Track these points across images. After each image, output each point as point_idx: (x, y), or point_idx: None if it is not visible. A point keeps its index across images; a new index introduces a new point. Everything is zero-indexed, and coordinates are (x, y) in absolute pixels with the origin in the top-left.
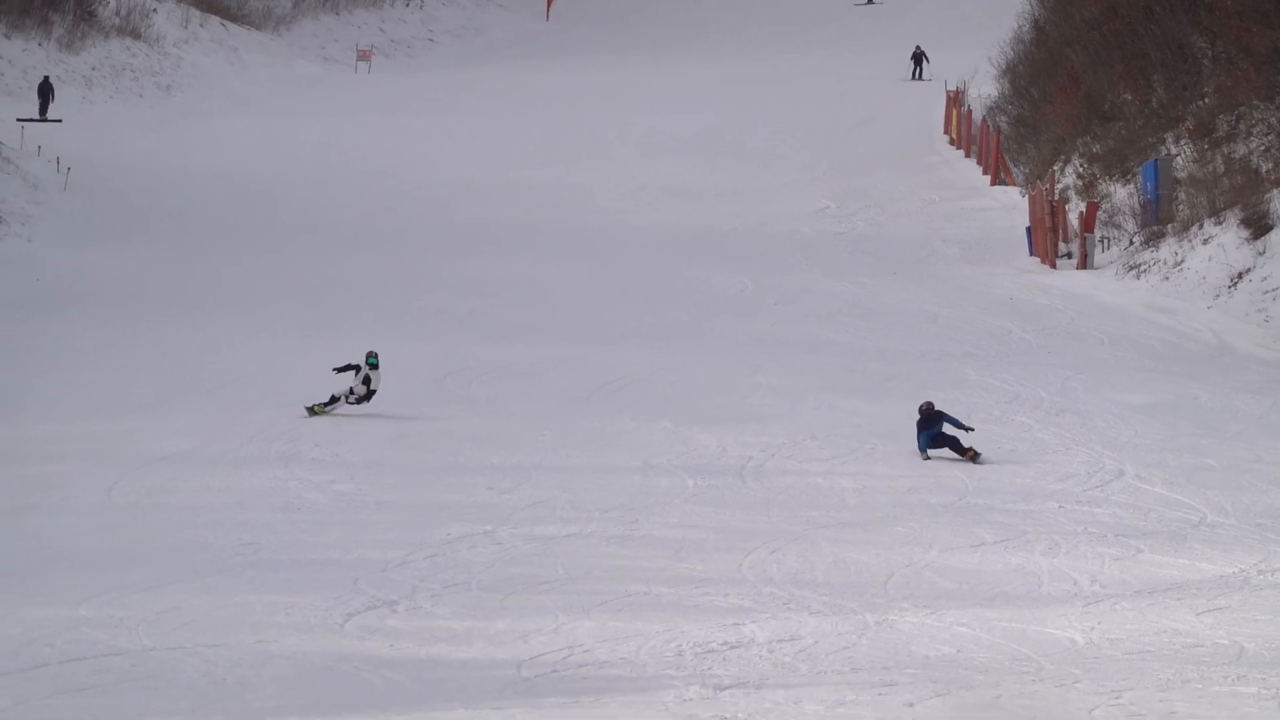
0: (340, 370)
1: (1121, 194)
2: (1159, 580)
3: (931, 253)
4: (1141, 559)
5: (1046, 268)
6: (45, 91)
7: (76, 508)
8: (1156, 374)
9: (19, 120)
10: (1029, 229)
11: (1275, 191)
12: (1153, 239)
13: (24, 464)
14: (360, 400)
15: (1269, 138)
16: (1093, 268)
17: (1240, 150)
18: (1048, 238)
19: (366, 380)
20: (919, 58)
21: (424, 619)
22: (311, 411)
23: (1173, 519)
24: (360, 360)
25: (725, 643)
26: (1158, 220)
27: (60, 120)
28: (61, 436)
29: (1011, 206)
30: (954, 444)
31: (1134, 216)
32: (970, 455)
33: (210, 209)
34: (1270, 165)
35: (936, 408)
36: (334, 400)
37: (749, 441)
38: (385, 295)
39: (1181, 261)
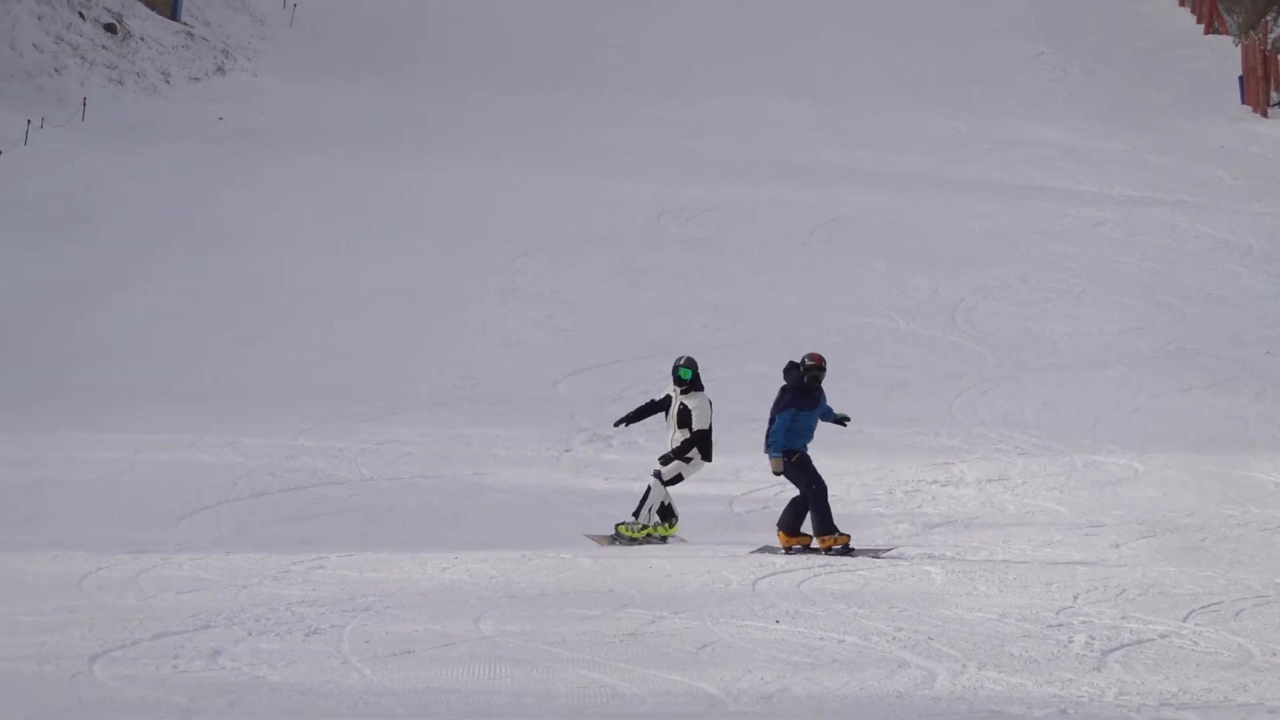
0: (633, 419)
1: None
2: None
3: (1145, 100)
4: None
5: (1258, 116)
6: None
7: (299, 340)
8: None
9: None
10: (1241, 78)
11: None
12: None
13: (249, 296)
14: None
15: None
16: None
17: None
18: (1260, 87)
19: (685, 417)
20: None
21: (639, 454)
22: (619, 537)
23: None
24: (665, 386)
25: (935, 481)
26: None
27: None
28: (284, 269)
29: (1224, 55)
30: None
31: None
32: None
33: (432, 49)
34: None
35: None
36: (655, 514)
37: (961, 283)
38: (600, 134)
39: None
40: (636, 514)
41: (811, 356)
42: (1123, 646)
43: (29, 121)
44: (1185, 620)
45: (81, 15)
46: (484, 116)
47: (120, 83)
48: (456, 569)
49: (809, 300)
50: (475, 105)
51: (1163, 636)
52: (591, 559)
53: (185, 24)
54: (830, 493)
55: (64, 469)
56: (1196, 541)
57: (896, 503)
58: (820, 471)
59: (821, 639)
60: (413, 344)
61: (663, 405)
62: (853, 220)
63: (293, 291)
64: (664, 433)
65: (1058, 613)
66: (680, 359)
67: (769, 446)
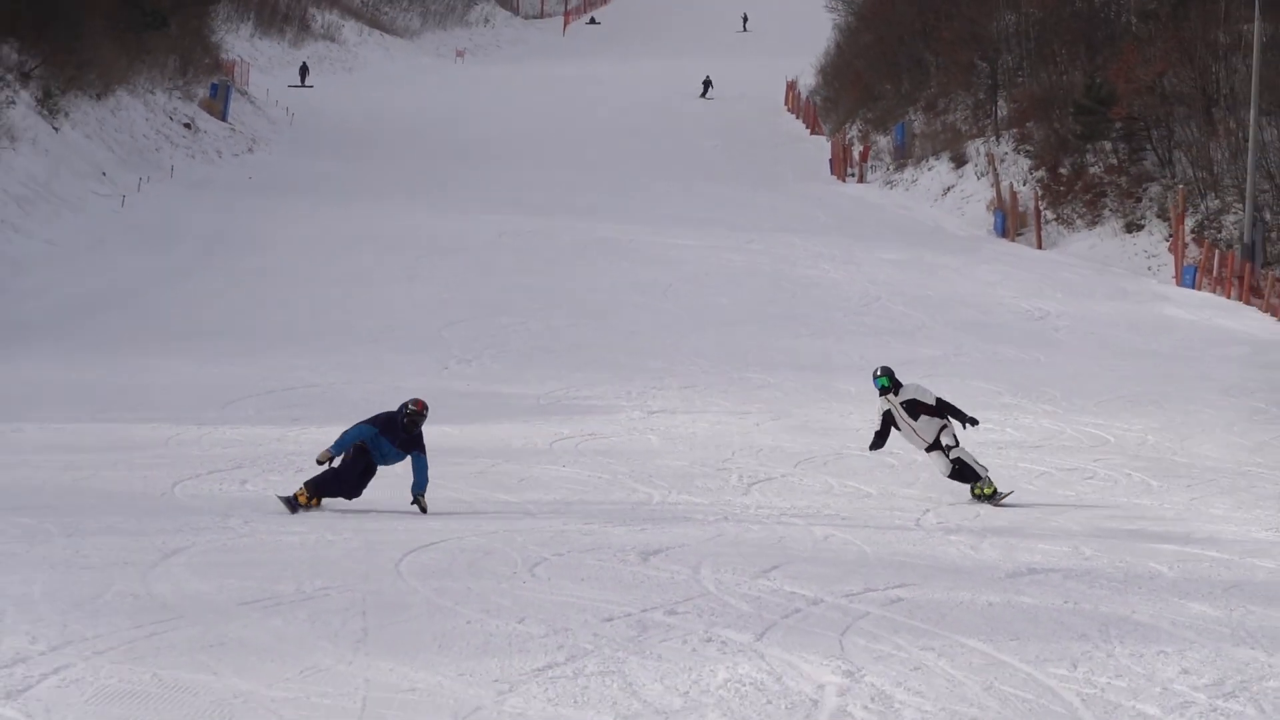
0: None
1: (883, 141)
2: (898, 358)
3: (777, 172)
4: (890, 346)
5: (839, 182)
6: (304, 71)
7: (293, 303)
8: (900, 242)
9: (290, 86)
10: (831, 160)
11: (969, 142)
12: (900, 167)
13: (263, 280)
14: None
15: (966, 111)
16: (866, 182)
17: (951, 118)
18: (841, 165)
19: (918, 407)
20: (707, 83)
21: (486, 369)
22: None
23: (908, 323)
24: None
25: (655, 386)
26: (903, 157)
27: (313, 86)
28: (284, 265)
29: (821, 146)
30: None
31: (890, 154)
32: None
33: (375, 138)
34: (967, 127)
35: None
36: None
37: (670, 275)
38: (468, 188)
39: (916, 180)
40: (978, 478)
41: (415, 402)
42: (760, 481)
43: (140, 179)
44: (795, 467)
45: (170, 118)
46: (403, 178)
47: (193, 157)
48: None
49: (585, 283)
50: (398, 171)
51: (783, 476)
52: (458, 429)
53: (230, 123)
54: (597, 392)
55: (158, 376)
56: (802, 422)
57: (634, 398)
58: None
59: (589, 475)
60: (358, 306)
61: (888, 422)
62: (609, 240)
63: (288, 277)
64: (906, 438)
65: (723, 461)
66: (878, 370)
67: None
